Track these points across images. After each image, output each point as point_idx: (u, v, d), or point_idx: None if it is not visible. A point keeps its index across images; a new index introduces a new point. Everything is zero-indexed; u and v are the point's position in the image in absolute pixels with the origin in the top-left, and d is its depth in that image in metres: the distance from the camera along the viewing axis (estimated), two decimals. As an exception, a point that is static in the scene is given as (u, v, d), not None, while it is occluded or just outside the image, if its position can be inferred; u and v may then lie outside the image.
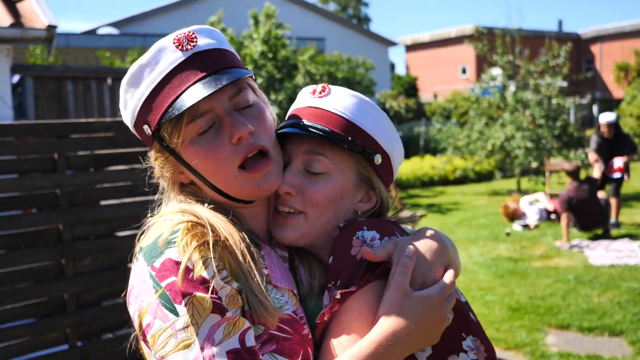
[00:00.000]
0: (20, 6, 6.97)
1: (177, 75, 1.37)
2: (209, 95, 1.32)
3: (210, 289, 1.24)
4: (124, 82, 1.43)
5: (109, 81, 10.22)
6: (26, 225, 3.89)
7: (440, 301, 1.36)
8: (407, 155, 23.48)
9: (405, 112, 26.06)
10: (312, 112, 1.52)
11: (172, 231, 1.31)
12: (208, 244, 1.30)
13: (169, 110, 1.36)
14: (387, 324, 1.32)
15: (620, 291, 7.33)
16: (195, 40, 1.40)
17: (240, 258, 1.33)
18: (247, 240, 1.39)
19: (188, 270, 1.26)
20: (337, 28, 31.61)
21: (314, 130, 1.47)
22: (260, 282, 1.33)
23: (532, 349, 5.73)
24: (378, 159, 1.52)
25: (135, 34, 23.94)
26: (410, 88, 38.43)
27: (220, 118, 1.39)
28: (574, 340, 5.99)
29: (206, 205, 1.42)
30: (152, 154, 1.50)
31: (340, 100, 1.52)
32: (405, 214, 1.63)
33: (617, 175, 11.41)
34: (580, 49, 43.50)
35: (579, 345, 5.83)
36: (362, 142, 1.49)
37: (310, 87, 1.59)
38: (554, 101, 16.27)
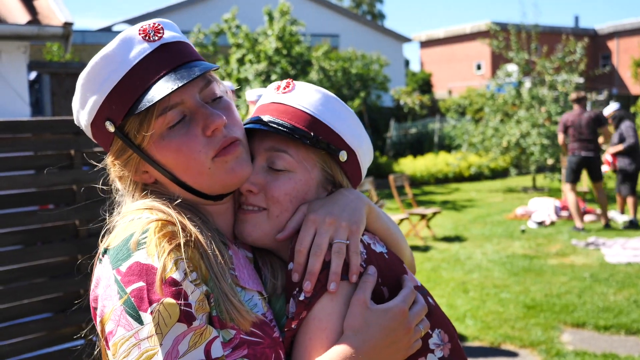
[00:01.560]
0: (37, 3, 7.02)
1: (145, 66, 1.30)
2: (181, 86, 1.27)
3: (181, 294, 1.19)
4: (84, 75, 1.34)
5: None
6: (43, 221, 3.92)
7: (403, 312, 1.33)
8: (422, 152, 23.42)
9: (420, 108, 25.96)
10: (275, 108, 1.48)
11: (142, 231, 1.25)
12: (179, 244, 1.23)
13: (137, 103, 1.28)
14: (349, 340, 1.28)
15: (637, 289, 7.26)
16: (161, 31, 1.33)
17: (212, 259, 1.27)
18: (217, 239, 1.34)
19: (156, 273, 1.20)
20: (351, 24, 31.55)
21: (276, 126, 1.43)
22: (232, 284, 1.29)
23: (547, 347, 5.69)
24: (343, 156, 1.47)
25: (150, 31, 24.00)
26: (424, 84, 38.28)
27: (191, 110, 1.33)
28: (590, 338, 5.95)
29: (174, 204, 1.35)
30: (110, 154, 1.41)
31: (304, 96, 1.48)
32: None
33: (604, 168, 11.58)
34: (596, 45, 43.09)
35: (595, 344, 5.79)
36: (326, 139, 1.45)
37: (276, 83, 1.54)
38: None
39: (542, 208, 12.28)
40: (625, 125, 11.21)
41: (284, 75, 15.69)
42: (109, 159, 1.42)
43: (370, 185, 10.27)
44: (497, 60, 27.59)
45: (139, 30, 1.32)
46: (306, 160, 1.45)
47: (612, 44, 43.29)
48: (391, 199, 13.73)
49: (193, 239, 1.27)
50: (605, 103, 28.30)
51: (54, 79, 9.81)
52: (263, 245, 1.46)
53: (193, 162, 1.32)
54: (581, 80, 17.51)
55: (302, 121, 1.44)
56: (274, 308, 1.40)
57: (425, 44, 45.29)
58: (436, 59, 44.26)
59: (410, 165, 20.01)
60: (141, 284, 1.19)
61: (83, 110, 1.36)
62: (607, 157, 11.55)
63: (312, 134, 1.43)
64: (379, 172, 17.98)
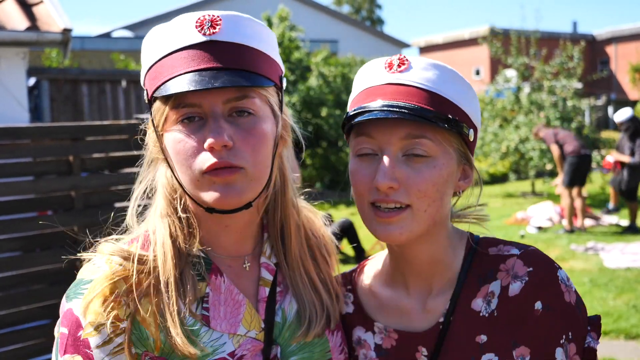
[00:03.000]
0: (36, 10, 7.03)
1: (183, 56, 1.23)
2: (196, 90, 1.21)
3: (89, 359, 1.23)
4: (143, 42, 1.33)
5: (124, 84, 10.29)
6: (41, 227, 3.92)
7: None
8: (421, 157, 23.44)
9: (419, 114, 26.01)
10: (395, 90, 1.31)
11: (90, 281, 1.27)
12: (117, 304, 1.24)
13: (161, 87, 1.25)
14: None
15: (636, 294, 7.26)
16: (218, 26, 1.24)
17: (166, 308, 1.26)
18: (193, 276, 1.31)
19: (79, 327, 1.23)
20: (350, 30, 31.62)
21: (409, 112, 1.27)
22: (186, 330, 1.26)
23: (546, 352, 5.68)
24: (472, 135, 1.36)
25: (149, 37, 24.03)
26: (423, 90, 38.29)
27: (206, 116, 1.25)
28: (590, 343, 5.93)
29: (179, 209, 1.34)
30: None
31: (425, 73, 1.32)
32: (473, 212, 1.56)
33: (604, 171, 12.02)
34: (595, 50, 43.18)
35: (595, 349, 5.78)
36: (458, 119, 1.32)
37: (381, 60, 1.37)
38: (569, 103, 16.17)
39: (541, 213, 12.28)
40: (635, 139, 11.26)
41: (283, 81, 15.74)
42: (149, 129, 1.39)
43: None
44: (496, 66, 27.64)
45: (198, 19, 1.25)
46: (445, 141, 1.33)
47: (610, 49, 43.39)
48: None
49: (147, 286, 1.27)
50: (604, 108, 28.39)
51: (52, 85, 9.82)
52: (408, 242, 1.37)
53: (185, 163, 1.26)
54: (580, 85, 17.54)
55: (433, 103, 1.30)
56: (283, 336, 1.37)
57: (424, 49, 45.38)
58: (435, 65, 44.28)
59: (409, 170, 20.02)
60: (65, 330, 1.25)
61: (142, 72, 1.35)
62: (609, 158, 11.56)
63: (449, 116, 1.30)
64: (378, 178, 17.96)
